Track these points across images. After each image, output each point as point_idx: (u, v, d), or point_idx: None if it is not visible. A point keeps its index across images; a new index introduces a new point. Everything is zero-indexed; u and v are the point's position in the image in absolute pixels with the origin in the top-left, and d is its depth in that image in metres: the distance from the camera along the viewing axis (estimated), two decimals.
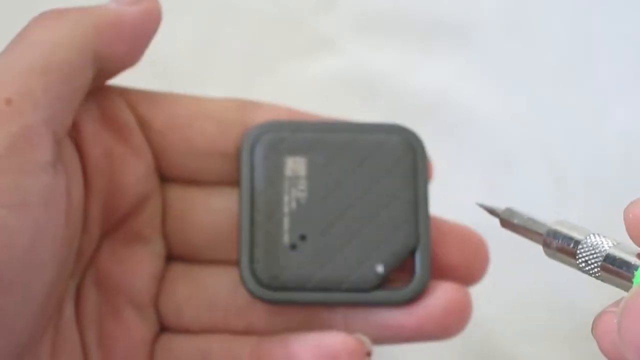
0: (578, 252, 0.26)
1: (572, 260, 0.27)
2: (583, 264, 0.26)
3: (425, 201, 0.31)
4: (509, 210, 0.29)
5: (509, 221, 0.29)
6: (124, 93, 0.33)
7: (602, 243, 0.26)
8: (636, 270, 0.25)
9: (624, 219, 0.25)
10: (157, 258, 0.33)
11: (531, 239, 0.28)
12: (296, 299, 0.30)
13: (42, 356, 0.29)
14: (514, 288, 0.46)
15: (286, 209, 0.31)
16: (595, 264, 0.26)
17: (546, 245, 0.27)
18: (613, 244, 0.26)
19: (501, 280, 0.45)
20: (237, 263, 0.31)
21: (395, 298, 0.30)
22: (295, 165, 0.31)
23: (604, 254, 0.26)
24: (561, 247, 0.27)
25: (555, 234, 0.27)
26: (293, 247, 0.31)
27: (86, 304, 0.32)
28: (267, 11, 0.50)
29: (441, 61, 0.49)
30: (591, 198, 0.47)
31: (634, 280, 0.25)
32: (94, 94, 0.31)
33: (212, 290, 0.33)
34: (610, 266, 0.26)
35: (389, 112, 0.49)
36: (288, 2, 0.50)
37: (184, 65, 0.49)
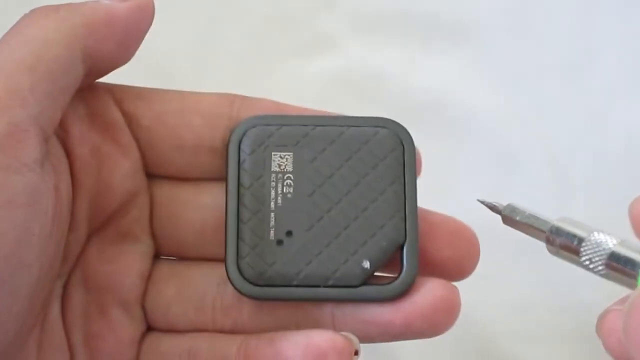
0: (582, 249, 0.26)
1: (576, 258, 0.26)
2: (587, 262, 0.26)
3: (413, 196, 0.31)
4: (510, 207, 0.29)
5: (511, 218, 0.28)
6: (111, 90, 0.33)
7: (607, 240, 0.26)
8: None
9: (629, 215, 0.25)
10: (145, 257, 0.33)
11: (534, 236, 0.28)
12: (282, 295, 0.30)
13: (28, 356, 0.29)
14: (514, 288, 0.45)
15: (273, 205, 0.31)
16: (600, 262, 0.26)
17: (549, 242, 0.27)
18: (618, 241, 0.26)
19: (501, 280, 0.45)
20: (223, 260, 0.31)
21: (382, 294, 0.30)
22: (281, 160, 0.31)
23: (608, 251, 0.25)
24: (565, 244, 0.27)
25: (558, 231, 0.27)
26: (279, 243, 0.31)
27: (72, 303, 0.31)
28: (267, 11, 0.50)
29: (441, 60, 0.49)
30: (593, 197, 0.47)
31: (639, 278, 0.25)
32: (81, 91, 0.31)
33: (200, 288, 0.32)
34: (615, 264, 0.25)
35: (389, 111, 0.48)
36: (288, 1, 0.50)
37: (183, 65, 0.49)
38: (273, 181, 0.31)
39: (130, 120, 0.33)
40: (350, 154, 0.31)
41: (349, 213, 0.31)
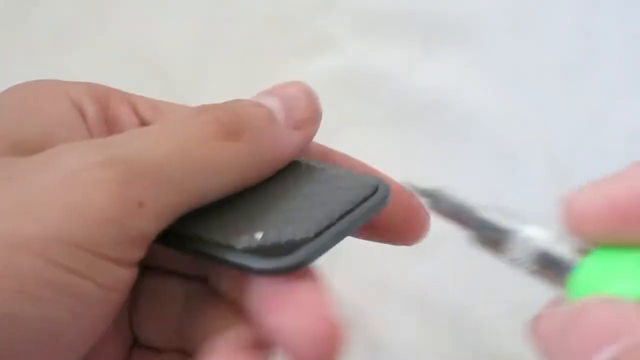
0: (508, 245, 0.23)
1: (501, 254, 0.23)
2: (513, 260, 0.23)
3: (342, 229, 0.31)
4: (437, 192, 0.25)
5: (436, 205, 0.25)
6: (127, 99, 0.32)
7: (536, 236, 0.23)
8: (572, 269, 0.22)
9: (562, 209, 0.22)
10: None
11: (460, 226, 0.24)
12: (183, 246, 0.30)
13: None
14: (515, 288, 0.45)
15: None
16: (526, 261, 0.23)
17: (474, 234, 0.24)
18: (547, 237, 0.23)
19: (502, 279, 0.45)
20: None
21: (255, 263, 0.29)
22: None
23: (536, 250, 0.23)
24: (490, 238, 0.23)
25: (484, 224, 0.23)
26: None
27: None
28: (267, 11, 0.50)
29: (441, 60, 0.49)
30: None
31: (572, 283, 0.22)
32: (98, 97, 0.31)
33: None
34: (542, 265, 0.23)
35: (389, 111, 0.49)
36: (288, 1, 0.50)
37: (184, 65, 0.49)
38: None
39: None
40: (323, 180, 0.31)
41: (281, 203, 0.30)
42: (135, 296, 0.32)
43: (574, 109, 0.49)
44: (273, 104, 0.30)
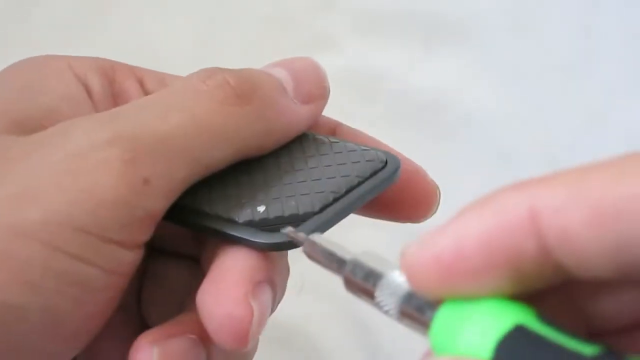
0: (377, 291, 0.22)
1: (372, 300, 0.22)
2: (380, 304, 0.22)
3: (348, 204, 0.30)
4: (309, 241, 0.25)
5: (310, 253, 0.25)
6: (133, 71, 0.32)
7: (404, 282, 0.21)
8: (433, 317, 0.21)
9: (400, 264, 0.21)
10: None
11: (335, 272, 0.24)
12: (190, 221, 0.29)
13: None
14: None
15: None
16: (393, 307, 0.22)
17: (347, 281, 0.23)
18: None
19: None
20: None
21: (256, 237, 0.28)
22: None
23: (403, 296, 0.21)
24: (360, 284, 0.23)
25: (355, 269, 0.23)
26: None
27: None
28: (267, 11, 0.50)
29: (441, 60, 0.49)
30: None
31: (430, 335, 0.21)
32: (104, 69, 0.30)
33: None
34: (408, 312, 0.21)
35: (389, 111, 0.49)
36: (288, 1, 0.50)
37: (184, 65, 0.49)
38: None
39: None
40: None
41: (286, 177, 0.30)
42: (141, 278, 0.31)
43: (574, 109, 0.49)
44: (282, 75, 0.30)
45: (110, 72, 0.30)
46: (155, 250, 0.31)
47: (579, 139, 0.49)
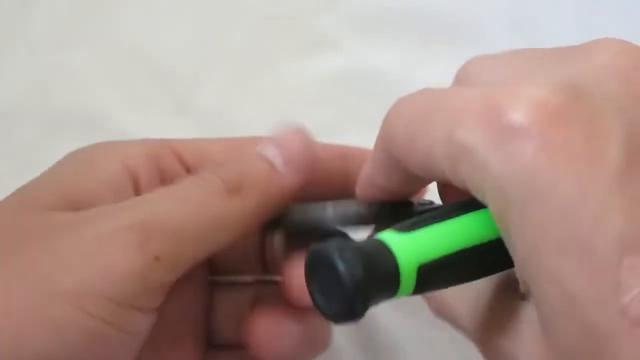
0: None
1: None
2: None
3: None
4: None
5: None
6: (171, 147, 0.37)
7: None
8: None
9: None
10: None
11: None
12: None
13: None
14: None
15: None
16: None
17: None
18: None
19: None
20: None
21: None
22: None
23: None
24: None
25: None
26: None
27: None
28: (267, 11, 0.50)
29: (442, 60, 0.49)
30: None
31: None
32: (147, 153, 0.36)
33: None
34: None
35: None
36: (288, 1, 0.50)
37: (184, 65, 0.49)
38: None
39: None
40: None
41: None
42: (210, 305, 0.38)
43: None
44: (272, 152, 0.35)
45: (156, 154, 0.36)
46: (216, 278, 0.38)
47: None
